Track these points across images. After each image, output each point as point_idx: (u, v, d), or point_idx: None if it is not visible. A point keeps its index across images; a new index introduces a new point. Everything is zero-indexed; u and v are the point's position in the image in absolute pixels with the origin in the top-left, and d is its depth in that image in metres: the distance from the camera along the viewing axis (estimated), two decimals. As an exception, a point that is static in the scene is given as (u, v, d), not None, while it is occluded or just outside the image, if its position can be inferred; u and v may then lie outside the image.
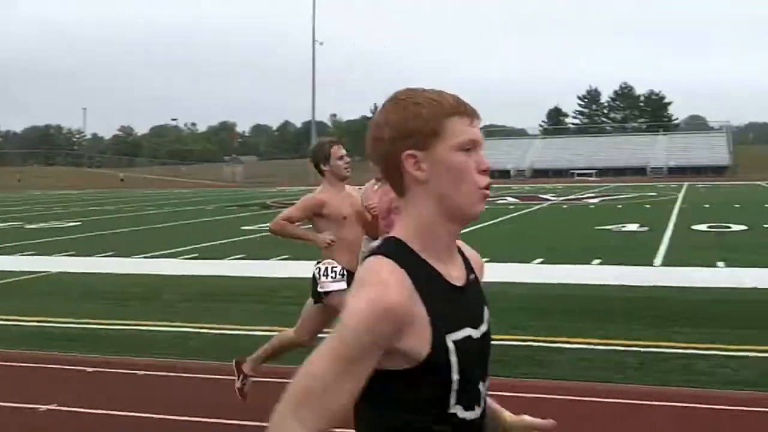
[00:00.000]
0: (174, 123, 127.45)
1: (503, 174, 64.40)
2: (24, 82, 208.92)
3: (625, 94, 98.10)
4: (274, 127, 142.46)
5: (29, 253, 15.04)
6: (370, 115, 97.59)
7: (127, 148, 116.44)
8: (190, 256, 13.83)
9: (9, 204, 36.86)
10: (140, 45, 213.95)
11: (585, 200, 29.51)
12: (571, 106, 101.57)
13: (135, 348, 7.06)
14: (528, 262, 11.86)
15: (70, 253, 14.80)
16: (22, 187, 63.14)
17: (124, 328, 8.01)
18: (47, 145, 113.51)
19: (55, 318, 8.49)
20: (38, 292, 10.60)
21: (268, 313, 8.53)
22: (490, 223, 19.10)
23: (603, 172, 60.37)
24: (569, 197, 31.18)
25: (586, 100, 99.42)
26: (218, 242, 16.15)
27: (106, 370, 6.35)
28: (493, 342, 1.58)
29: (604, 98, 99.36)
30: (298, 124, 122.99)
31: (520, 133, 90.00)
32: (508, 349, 6.52)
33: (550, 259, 12.15)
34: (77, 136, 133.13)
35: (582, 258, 12.23)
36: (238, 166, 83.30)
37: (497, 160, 70.04)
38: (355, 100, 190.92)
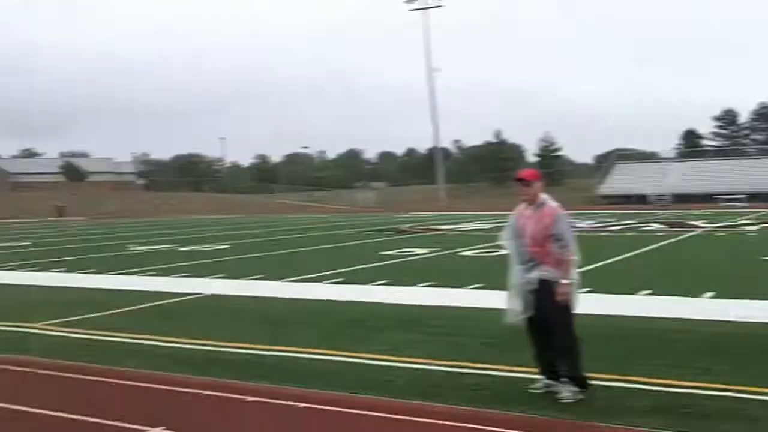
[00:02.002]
0: (305, 150, 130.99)
1: (640, 199, 61.51)
2: (168, 116, 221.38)
3: (765, 114, 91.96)
4: (400, 153, 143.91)
5: (182, 274, 15.37)
6: (493, 140, 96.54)
7: (263, 175, 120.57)
8: (335, 281, 13.66)
9: (161, 227, 38.68)
10: (265, 78, 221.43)
11: (741, 227, 27.35)
12: (704, 127, 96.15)
13: (293, 377, 6.75)
14: (696, 296, 10.79)
15: (220, 275, 15.00)
16: (173, 211, 66.35)
17: (280, 354, 7.75)
18: (192, 174, 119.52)
19: (210, 341, 8.39)
20: (190, 314, 10.65)
21: (421, 343, 8.07)
22: (639, 252, 17.93)
23: (753, 197, 56.32)
24: (722, 224, 29.04)
25: (723, 121, 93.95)
26: (360, 267, 15.95)
27: (267, 400, 6.06)
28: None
29: (743, 119, 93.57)
30: (423, 150, 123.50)
31: (652, 157, 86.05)
32: (702, 398, 5.69)
33: (723, 293, 10.98)
34: (218, 164, 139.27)
35: (754, 291, 11.03)
36: (369, 192, 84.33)
37: (633, 184, 67.15)
38: (477, 126, 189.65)
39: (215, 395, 6.22)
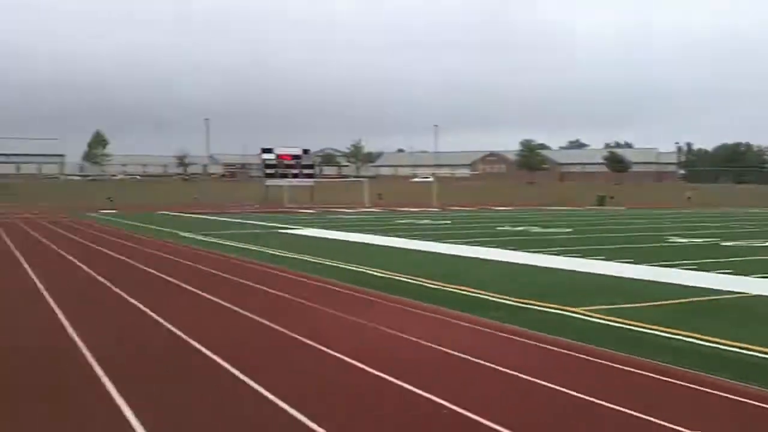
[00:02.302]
0: None
1: None
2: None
3: None
4: None
5: (724, 271, 14.41)
6: None
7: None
8: None
9: (699, 220, 37.14)
10: None
11: None
12: None
13: None
14: None
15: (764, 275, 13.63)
16: (697, 204, 63.06)
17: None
18: (737, 163, 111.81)
19: (748, 344, 7.62)
20: (731, 314, 9.87)
21: None
22: None
23: None
24: None
25: None
26: None
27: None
28: None
29: None
30: None
31: None
32: None
33: None
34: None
35: None
36: None
37: None
38: None
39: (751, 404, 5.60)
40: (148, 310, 9.82)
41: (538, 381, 6.31)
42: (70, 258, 17.47)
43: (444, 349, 7.47)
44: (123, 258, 17.44)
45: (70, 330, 8.46)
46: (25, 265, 15.65)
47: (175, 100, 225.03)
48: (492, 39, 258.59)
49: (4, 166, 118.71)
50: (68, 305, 10.20)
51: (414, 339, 7.97)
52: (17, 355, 7.31)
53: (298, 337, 8.08)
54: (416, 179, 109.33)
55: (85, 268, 15.27)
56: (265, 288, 12.15)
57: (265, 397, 5.73)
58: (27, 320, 9.39)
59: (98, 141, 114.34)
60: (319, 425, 5.03)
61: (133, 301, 10.69)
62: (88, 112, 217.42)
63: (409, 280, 13.21)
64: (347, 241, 23.53)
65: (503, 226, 31.70)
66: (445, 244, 21.63)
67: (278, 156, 78.50)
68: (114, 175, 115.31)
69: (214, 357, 7.10)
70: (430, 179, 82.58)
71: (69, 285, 12.88)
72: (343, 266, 15.55)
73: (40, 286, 12.32)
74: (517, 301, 10.75)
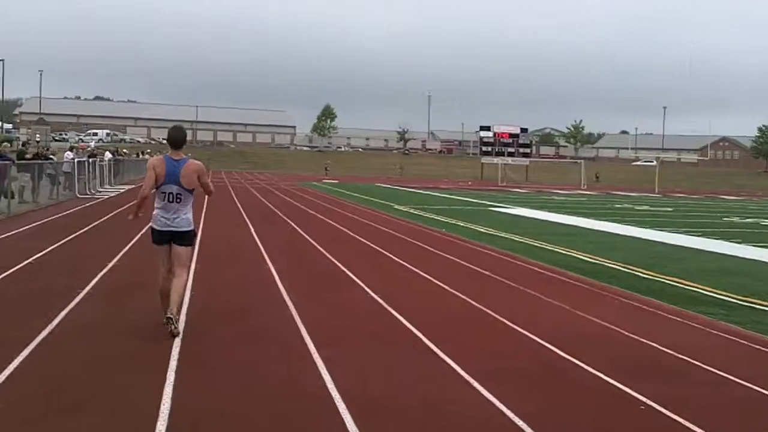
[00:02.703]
0: None
1: None
2: None
3: None
4: None
5: None
6: None
7: None
8: None
9: None
10: None
11: None
12: None
13: None
14: None
15: None
16: None
17: None
18: None
19: None
20: None
21: None
22: None
23: None
24: None
25: None
26: None
27: None
28: None
29: None
30: None
31: None
32: None
33: None
34: None
35: None
36: None
37: None
38: None
39: None
40: (353, 276, 10.16)
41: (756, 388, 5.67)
42: (292, 224, 18.57)
43: (656, 345, 6.95)
44: (340, 227, 18.23)
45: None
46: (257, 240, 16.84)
47: (401, 77, 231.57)
48: (727, 16, 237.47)
49: (242, 135, 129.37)
50: (280, 263, 10.83)
51: (626, 333, 7.51)
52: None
53: (501, 318, 7.92)
54: (638, 162, 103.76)
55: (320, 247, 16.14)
56: (471, 265, 12.09)
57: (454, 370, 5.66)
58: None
59: (327, 114, 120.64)
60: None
61: (347, 271, 11.10)
62: (319, 87, 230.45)
63: (620, 268, 12.53)
64: (557, 223, 22.86)
65: (730, 217, 29.16)
66: (663, 232, 20.30)
67: (496, 134, 78.17)
68: (339, 147, 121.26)
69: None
70: (653, 163, 77.97)
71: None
72: (549, 248, 15.11)
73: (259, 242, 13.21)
74: (740, 299, 9.81)
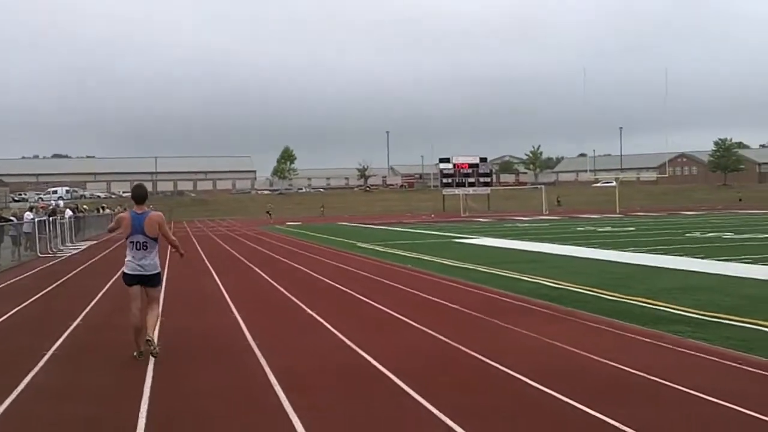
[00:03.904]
0: None
1: None
2: None
3: None
4: None
5: None
6: None
7: None
8: None
9: None
10: None
11: None
12: None
13: None
14: None
15: None
16: None
17: None
18: None
19: None
20: None
21: None
22: None
23: None
24: None
25: None
26: None
27: None
28: None
29: None
30: None
31: None
32: None
33: None
34: None
35: None
36: None
37: None
38: None
39: None
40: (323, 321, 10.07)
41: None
42: (257, 270, 18.41)
43: (625, 368, 6.98)
44: (303, 269, 18.13)
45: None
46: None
47: (358, 115, 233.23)
48: (681, 26, 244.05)
49: (203, 183, 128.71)
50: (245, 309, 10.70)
51: (595, 357, 7.53)
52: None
53: (473, 353, 7.90)
54: (598, 184, 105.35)
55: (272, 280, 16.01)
56: (437, 299, 12.07)
57: (426, 409, 5.62)
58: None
59: (286, 156, 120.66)
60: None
61: (312, 313, 11.01)
62: (277, 130, 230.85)
63: (585, 291, 12.62)
64: (520, 250, 23.02)
65: (692, 233, 29.67)
66: (626, 253, 20.54)
67: (455, 165, 78.74)
68: (300, 189, 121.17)
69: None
70: (613, 183, 79.23)
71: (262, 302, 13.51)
72: (514, 276, 15.18)
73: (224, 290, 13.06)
74: (707, 315, 9.92)
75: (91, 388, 6.65)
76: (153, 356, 7.49)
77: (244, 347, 8.32)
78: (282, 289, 13.80)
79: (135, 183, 8.36)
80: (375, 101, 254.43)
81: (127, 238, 7.78)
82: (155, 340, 7.67)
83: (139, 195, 7.90)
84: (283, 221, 56.54)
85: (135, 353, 7.66)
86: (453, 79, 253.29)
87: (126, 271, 7.87)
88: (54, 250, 26.57)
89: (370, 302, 11.88)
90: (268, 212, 60.87)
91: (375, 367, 7.22)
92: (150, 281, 7.86)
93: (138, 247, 7.73)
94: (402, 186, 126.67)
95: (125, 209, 62.95)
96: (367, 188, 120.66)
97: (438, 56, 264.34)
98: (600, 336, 8.74)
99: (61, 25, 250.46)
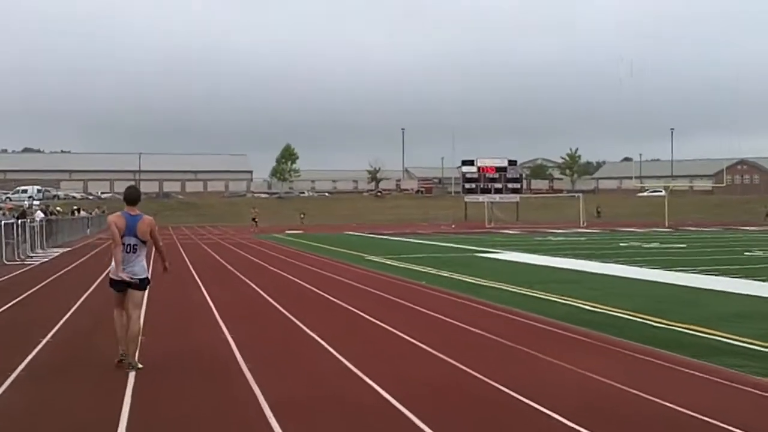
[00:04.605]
0: None
1: None
2: None
3: None
4: None
5: None
6: None
7: None
8: None
9: None
10: None
11: None
12: None
13: None
14: None
15: None
16: None
17: None
18: None
19: None
20: None
21: None
22: None
23: None
24: None
25: None
26: None
27: None
28: None
29: None
30: None
31: None
32: None
33: None
34: None
35: None
36: None
37: None
38: None
39: None
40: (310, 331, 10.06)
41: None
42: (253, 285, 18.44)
43: (674, 406, 6.91)
44: (303, 283, 18.14)
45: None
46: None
47: (369, 109, 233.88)
48: (756, 13, 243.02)
49: (192, 183, 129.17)
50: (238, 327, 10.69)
51: (639, 393, 7.47)
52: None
53: (498, 385, 7.86)
54: (644, 193, 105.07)
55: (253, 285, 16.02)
56: (455, 321, 12.03)
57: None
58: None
59: (287, 156, 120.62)
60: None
61: (313, 335, 11.00)
62: (277, 126, 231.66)
63: (628, 316, 12.55)
64: (554, 268, 22.94)
65: (753, 251, 29.48)
66: (676, 273, 20.44)
67: (480, 168, 78.66)
68: (302, 192, 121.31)
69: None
70: (662, 193, 79.01)
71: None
72: (546, 297, 15.12)
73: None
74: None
75: (61, 416, 6.64)
76: (129, 370, 8.16)
77: (236, 371, 8.32)
78: (281, 308, 13.80)
79: (128, 185, 9.70)
80: (389, 93, 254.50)
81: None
82: (135, 359, 8.38)
83: (133, 197, 8.56)
84: (282, 230, 56.61)
85: (117, 359, 8.51)
86: (478, 69, 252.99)
87: (113, 276, 8.49)
88: (22, 257, 26.71)
89: (378, 323, 11.85)
90: (253, 219, 60.72)
91: (386, 399, 7.17)
92: (137, 285, 8.50)
93: (128, 250, 8.38)
94: (418, 191, 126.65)
95: (104, 211, 63.09)
96: (379, 193, 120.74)
97: (461, 42, 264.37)
98: (644, 369, 8.68)
99: (27, 3, 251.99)
